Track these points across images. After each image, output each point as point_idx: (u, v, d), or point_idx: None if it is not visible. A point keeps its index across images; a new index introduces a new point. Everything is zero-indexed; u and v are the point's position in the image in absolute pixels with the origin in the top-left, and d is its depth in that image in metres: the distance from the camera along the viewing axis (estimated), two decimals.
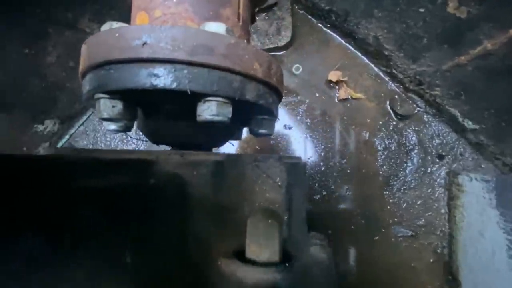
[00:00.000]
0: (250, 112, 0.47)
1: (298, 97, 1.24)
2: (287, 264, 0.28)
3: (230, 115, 0.37)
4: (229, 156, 0.32)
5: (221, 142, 0.54)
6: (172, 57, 0.33)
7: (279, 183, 0.34)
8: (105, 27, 0.38)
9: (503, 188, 0.87)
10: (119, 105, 0.36)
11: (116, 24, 0.37)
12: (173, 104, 0.42)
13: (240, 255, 0.29)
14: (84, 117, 1.35)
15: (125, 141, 1.26)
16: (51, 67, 1.07)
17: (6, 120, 1.03)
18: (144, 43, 0.33)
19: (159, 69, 0.33)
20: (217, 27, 0.36)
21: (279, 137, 1.23)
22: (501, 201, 0.87)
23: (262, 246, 0.28)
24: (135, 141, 1.26)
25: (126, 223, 0.24)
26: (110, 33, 0.35)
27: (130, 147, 1.24)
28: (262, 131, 0.49)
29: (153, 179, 0.26)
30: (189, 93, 0.34)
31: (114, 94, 0.36)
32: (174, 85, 0.33)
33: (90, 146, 1.26)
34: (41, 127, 1.18)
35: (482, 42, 0.80)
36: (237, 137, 0.61)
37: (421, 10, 0.87)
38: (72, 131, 1.28)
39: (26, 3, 0.92)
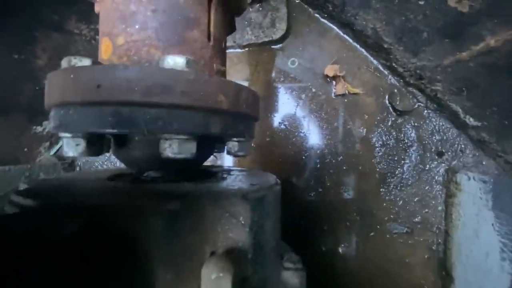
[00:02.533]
0: (223, 137, 0.46)
1: (294, 93, 1.21)
2: None
3: (194, 151, 0.37)
4: (185, 199, 0.32)
5: (201, 162, 0.54)
6: (128, 99, 0.32)
7: (243, 222, 0.34)
8: (64, 63, 0.36)
9: (500, 191, 0.84)
10: (82, 143, 0.36)
11: (74, 60, 0.36)
12: (139, 138, 0.41)
13: None
14: None
15: None
16: (43, 70, 1.07)
17: (4, 123, 1.05)
18: (98, 86, 0.32)
19: (115, 112, 0.33)
20: (175, 62, 0.34)
21: (275, 133, 1.22)
22: (497, 203, 0.85)
23: None
24: None
25: (69, 281, 0.24)
26: (66, 73, 0.34)
27: None
28: (238, 153, 0.49)
29: (96, 234, 0.26)
30: (146, 134, 0.33)
31: (77, 132, 0.36)
32: (131, 128, 0.33)
33: None
34: (39, 128, 1.20)
35: (485, 38, 0.74)
36: (220, 151, 0.60)
37: (421, 2, 0.80)
38: None
39: (10, 6, 0.90)
